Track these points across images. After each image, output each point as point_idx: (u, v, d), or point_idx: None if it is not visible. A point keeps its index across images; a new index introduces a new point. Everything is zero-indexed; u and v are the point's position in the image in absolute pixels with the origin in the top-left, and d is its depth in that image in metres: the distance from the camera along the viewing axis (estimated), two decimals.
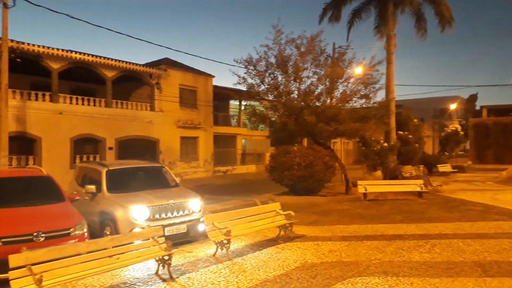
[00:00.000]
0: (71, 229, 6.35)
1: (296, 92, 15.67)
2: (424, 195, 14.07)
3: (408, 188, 14.31)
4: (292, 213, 8.44)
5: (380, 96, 20.96)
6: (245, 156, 32.79)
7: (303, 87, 15.60)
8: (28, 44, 17.46)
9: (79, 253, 5.26)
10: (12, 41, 15.70)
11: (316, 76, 15.63)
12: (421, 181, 14.56)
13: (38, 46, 17.89)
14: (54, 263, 4.91)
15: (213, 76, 28.06)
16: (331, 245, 7.70)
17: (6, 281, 4.63)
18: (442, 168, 24.84)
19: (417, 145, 23.48)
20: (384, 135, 20.62)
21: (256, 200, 8.90)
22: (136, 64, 22.49)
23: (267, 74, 15.59)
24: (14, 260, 4.57)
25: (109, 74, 21.29)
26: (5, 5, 13.38)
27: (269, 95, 16.09)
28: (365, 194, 13.84)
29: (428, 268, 6.15)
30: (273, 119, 17.11)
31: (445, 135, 39.34)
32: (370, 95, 15.92)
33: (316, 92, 15.73)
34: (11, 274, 4.48)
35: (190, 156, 26.44)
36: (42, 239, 5.94)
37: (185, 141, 25.96)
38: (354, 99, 15.93)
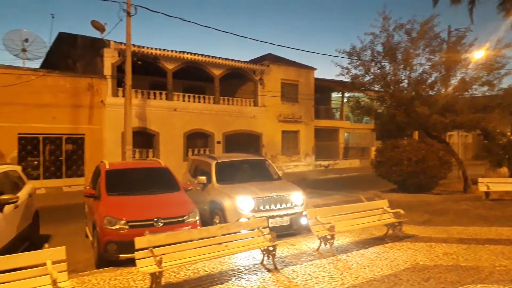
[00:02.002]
0: (185, 217, 6.88)
1: (406, 81, 14.61)
2: None
3: None
4: (402, 211, 7.90)
5: (506, 82, 18.40)
6: (348, 150, 31.84)
7: (414, 75, 14.47)
8: (147, 47, 19.38)
9: (192, 239, 5.66)
10: (133, 45, 17.56)
11: (430, 63, 14.35)
12: None
13: (156, 49, 19.74)
14: (171, 247, 5.35)
15: (315, 69, 27.79)
16: (446, 247, 7.03)
17: (132, 260, 5.20)
18: None
19: None
20: (511, 126, 18.10)
21: (361, 197, 8.56)
22: (241, 62, 23.40)
23: (372, 64, 14.82)
24: (139, 242, 5.10)
25: (217, 72, 22.51)
26: (128, 14, 15.00)
27: (375, 86, 15.28)
28: (487, 193, 12.35)
29: None
30: (380, 111, 16.22)
31: None
32: (494, 81, 14.04)
33: (429, 81, 14.45)
34: (136, 254, 5.01)
35: (291, 149, 26.65)
36: (161, 224, 6.54)
37: (286, 135, 26.23)
38: (474, 86, 14.22)
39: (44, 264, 4.42)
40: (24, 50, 17.67)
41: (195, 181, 9.43)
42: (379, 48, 14.51)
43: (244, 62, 23.75)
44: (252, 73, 24.17)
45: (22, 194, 7.44)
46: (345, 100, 29.76)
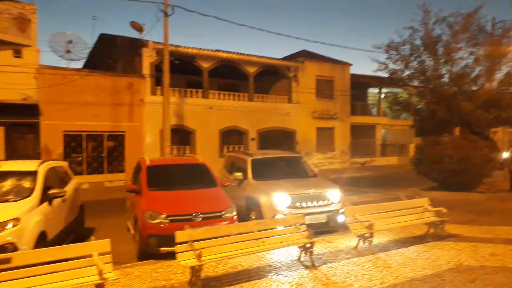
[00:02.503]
0: (223, 212, 6.98)
1: (447, 76, 14.08)
2: None
3: None
4: (444, 210, 7.63)
5: None
6: (385, 147, 31.04)
7: (456, 69, 13.92)
8: (184, 47, 19.75)
9: (230, 234, 5.74)
10: (170, 45, 17.92)
11: (473, 57, 13.75)
12: None
13: (192, 48, 20.07)
14: (210, 241, 5.44)
15: (351, 65, 27.28)
16: (493, 248, 6.72)
17: (172, 254, 5.33)
18: None
19: None
20: None
21: (401, 194, 8.38)
22: (275, 59, 23.37)
23: (412, 58, 14.40)
24: (179, 236, 5.23)
25: (251, 69, 22.60)
26: (166, 14, 15.34)
27: (414, 81, 14.85)
28: None
29: None
30: (419, 107, 15.75)
31: None
32: None
33: (472, 75, 13.85)
34: (177, 248, 5.14)
35: (326, 146, 26.34)
36: (200, 219, 6.68)
37: (321, 132, 25.94)
38: None
39: (91, 256, 4.64)
40: (68, 51, 18.46)
41: (231, 177, 9.54)
42: (419, 42, 14.08)
43: (278, 59, 23.70)
44: (287, 70, 24.08)
45: (69, 189, 7.81)
46: (382, 96, 29.04)
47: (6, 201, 6.18)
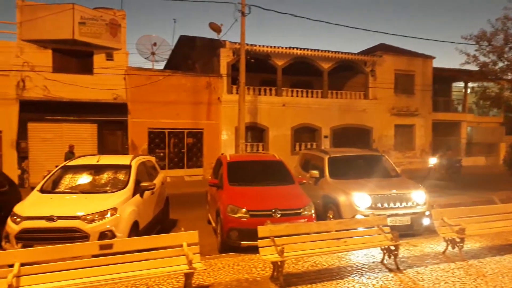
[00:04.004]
0: (301, 209, 6.99)
1: None
2: None
3: None
4: None
5: None
6: (471, 146, 28.64)
7: None
8: (259, 46, 20.03)
9: (310, 231, 5.72)
10: (247, 44, 18.29)
11: None
12: None
13: (266, 46, 20.29)
14: (290, 238, 5.47)
15: (433, 58, 25.56)
16: None
17: (252, 248, 5.43)
18: None
19: None
20: None
21: (494, 198, 7.68)
22: (351, 54, 22.72)
23: (506, 49, 13.11)
24: (261, 231, 5.33)
25: (325, 65, 22.23)
26: (243, 14, 15.68)
27: (509, 74, 13.51)
28: None
29: None
30: None
31: None
32: None
33: None
34: (259, 243, 5.24)
35: (405, 145, 25.03)
36: (279, 215, 6.75)
37: (400, 129, 24.71)
38: None
39: (180, 246, 4.91)
40: (153, 53, 19.77)
41: (307, 175, 9.49)
42: None
43: (355, 53, 23.01)
44: (363, 64, 23.29)
45: (157, 182, 8.36)
46: (469, 90, 26.84)
47: (105, 192, 6.80)
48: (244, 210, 6.79)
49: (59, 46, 16.55)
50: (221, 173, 8.25)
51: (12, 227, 5.83)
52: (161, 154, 18.46)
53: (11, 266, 4.15)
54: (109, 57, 17.36)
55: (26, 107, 15.97)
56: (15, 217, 5.93)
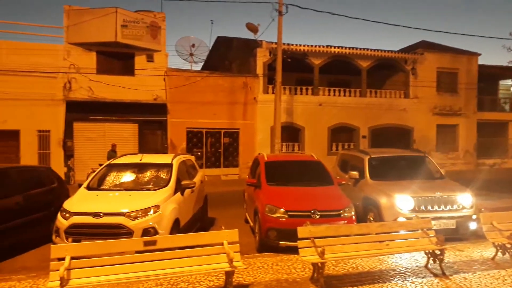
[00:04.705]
0: (341, 211, 6.87)
1: None
2: None
3: None
4: None
5: None
6: None
7: None
8: (296, 45, 19.93)
9: (351, 233, 5.61)
10: (283, 44, 18.24)
11: None
12: None
13: (303, 45, 20.15)
14: (331, 239, 5.38)
15: (479, 54, 24.40)
16: None
17: (290, 248, 5.37)
18: None
19: None
20: None
21: None
22: (391, 51, 22.13)
23: None
24: (301, 231, 5.28)
25: (364, 64, 21.77)
26: (280, 13, 15.66)
27: None
28: None
29: None
30: None
31: None
32: None
33: None
34: (299, 243, 5.19)
35: (448, 146, 24.04)
36: (318, 216, 6.67)
37: (442, 130, 23.76)
38: None
39: (220, 244, 4.96)
40: (191, 54, 20.14)
41: (346, 176, 9.32)
42: None
43: (395, 51, 22.38)
44: (403, 62, 22.60)
45: (197, 180, 8.51)
46: None
47: (148, 189, 6.99)
48: (282, 210, 6.76)
49: (102, 49, 17.23)
50: (258, 172, 8.27)
51: (62, 222, 6.12)
52: (199, 153, 18.78)
53: (61, 259, 4.34)
54: (150, 58, 17.85)
55: (72, 107, 16.75)
56: (64, 213, 6.22)
